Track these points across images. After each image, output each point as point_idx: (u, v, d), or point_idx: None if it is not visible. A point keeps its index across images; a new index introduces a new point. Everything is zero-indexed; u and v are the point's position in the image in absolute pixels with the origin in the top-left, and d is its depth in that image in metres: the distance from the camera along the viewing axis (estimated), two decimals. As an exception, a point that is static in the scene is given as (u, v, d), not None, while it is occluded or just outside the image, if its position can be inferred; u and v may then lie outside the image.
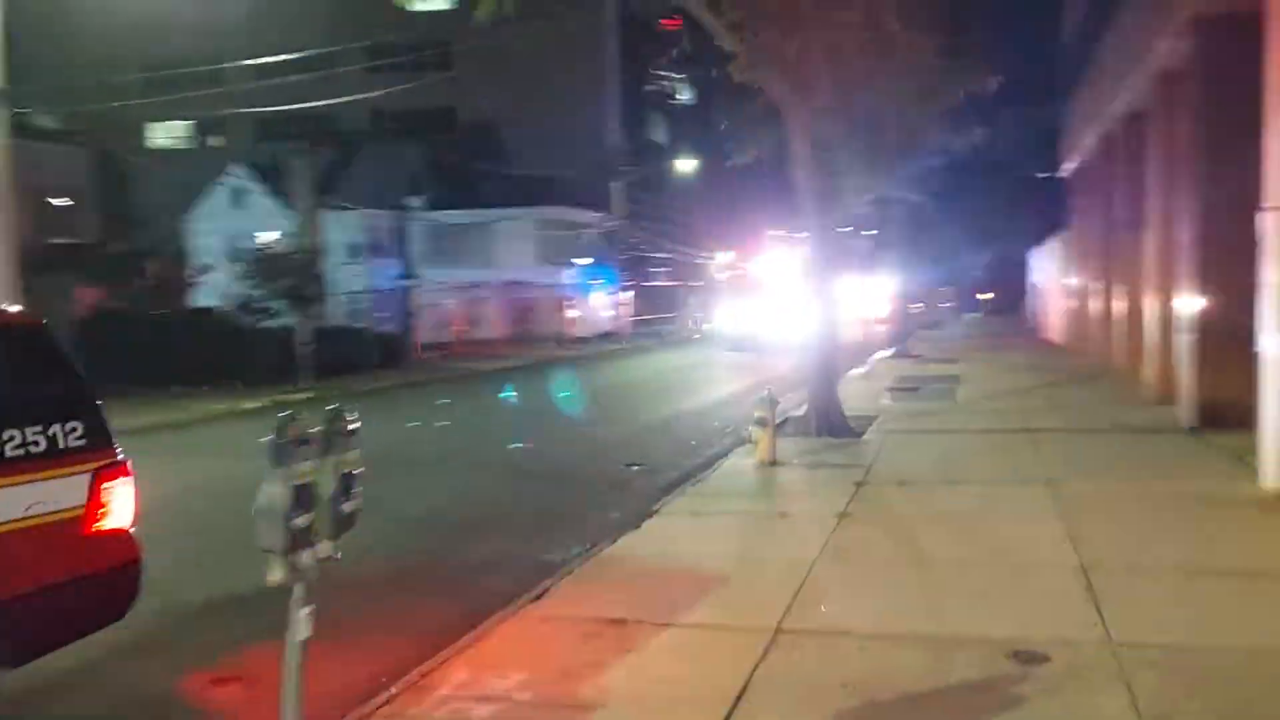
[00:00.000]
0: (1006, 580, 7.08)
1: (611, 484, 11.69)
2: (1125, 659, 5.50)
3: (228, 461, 12.55)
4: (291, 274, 29.75)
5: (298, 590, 3.68)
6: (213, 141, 55.31)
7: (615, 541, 8.51)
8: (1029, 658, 5.55)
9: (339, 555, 3.79)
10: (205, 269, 31.40)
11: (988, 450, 12.65)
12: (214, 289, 33.41)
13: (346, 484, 3.72)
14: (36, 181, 34.22)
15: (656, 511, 9.57)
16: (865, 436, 13.81)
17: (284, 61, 39.40)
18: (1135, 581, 6.95)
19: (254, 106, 39.22)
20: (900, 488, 10.30)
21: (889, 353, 28.76)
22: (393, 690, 5.42)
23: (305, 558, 3.63)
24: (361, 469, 3.82)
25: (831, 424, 13.94)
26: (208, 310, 30.11)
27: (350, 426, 3.76)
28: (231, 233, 39.86)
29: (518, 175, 45.22)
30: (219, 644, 6.59)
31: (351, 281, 44.09)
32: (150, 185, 47.52)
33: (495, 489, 11.87)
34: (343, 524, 3.73)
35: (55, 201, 35.55)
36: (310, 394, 22.73)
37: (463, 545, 9.11)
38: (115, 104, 36.43)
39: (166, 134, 56.34)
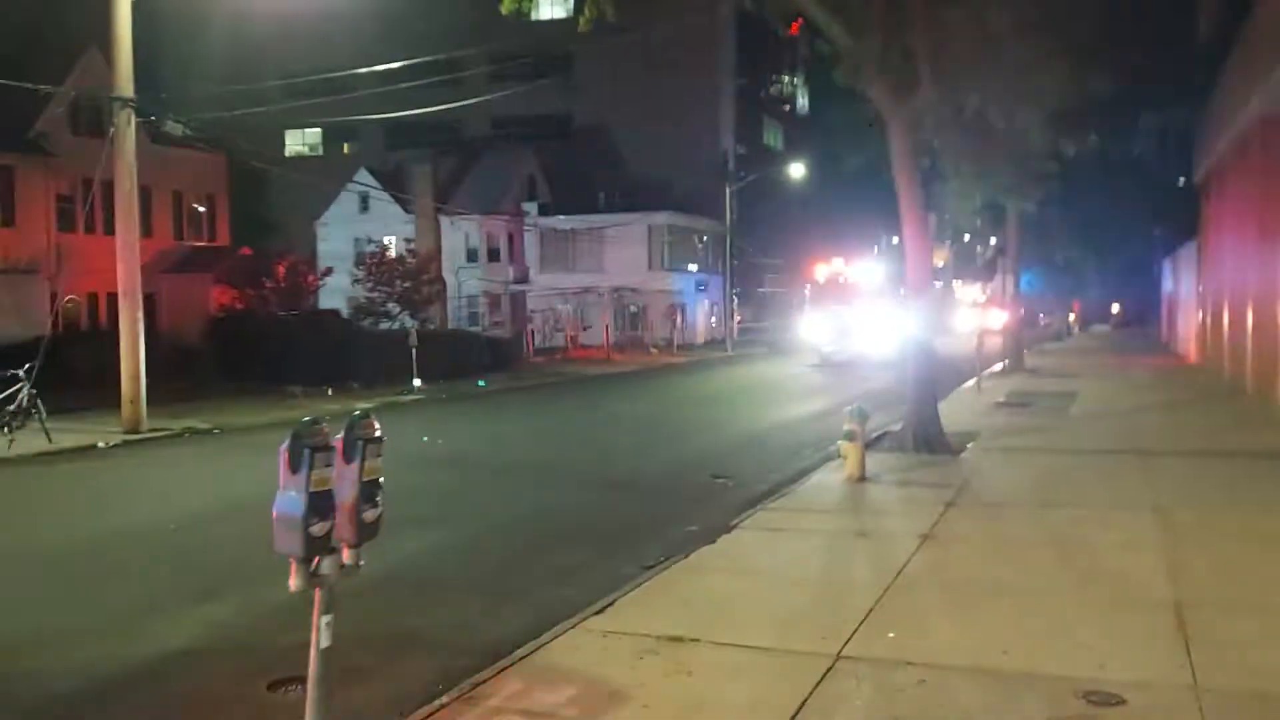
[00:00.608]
0: (1092, 614, 6.69)
1: (696, 496, 11.58)
2: (1209, 707, 5.11)
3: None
4: (407, 278, 30.67)
5: (319, 597, 3.70)
6: (344, 148, 57.44)
7: (688, 556, 8.40)
8: (1102, 699, 5.22)
9: (361, 563, 3.79)
10: (328, 272, 32.57)
11: (1093, 472, 12.02)
12: (338, 292, 34.74)
13: (369, 492, 3.73)
14: (177, 186, 36.27)
15: (734, 526, 9.42)
16: (964, 454, 13.32)
17: (409, 68, 40.63)
18: (1234, 623, 6.47)
19: (381, 114, 40.48)
20: (992, 509, 9.88)
21: (1003, 366, 27.74)
22: (443, 700, 5.44)
23: (325, 565, 3.65)
24: (382, 477, 3.82)
25: (929, 440, 13.50)
26: (329, 312, 31.25)
27: (375, 434, 3.77)
28: (357, 237, 41.26)
29: (631, 181, 45.52)
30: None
31: (467, 286, 45.19)
32: (285, 191, 49.66)
33: (582, 497, 11.89)
34: (365, 531, 3.74)
35: (192, 206, 37.44)
36: (420, 395, 23.30)
37: (541, 553, 9.14)
38: (252, 111, 38.17)
39: (301, 141, 58.81)
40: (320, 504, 3.57)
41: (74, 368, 21.48)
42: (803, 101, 64.93)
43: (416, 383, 24.02)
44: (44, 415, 15.21)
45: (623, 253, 45.75)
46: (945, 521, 9.38)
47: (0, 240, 28.81)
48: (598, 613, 6.88)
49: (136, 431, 16.37)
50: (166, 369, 24.04)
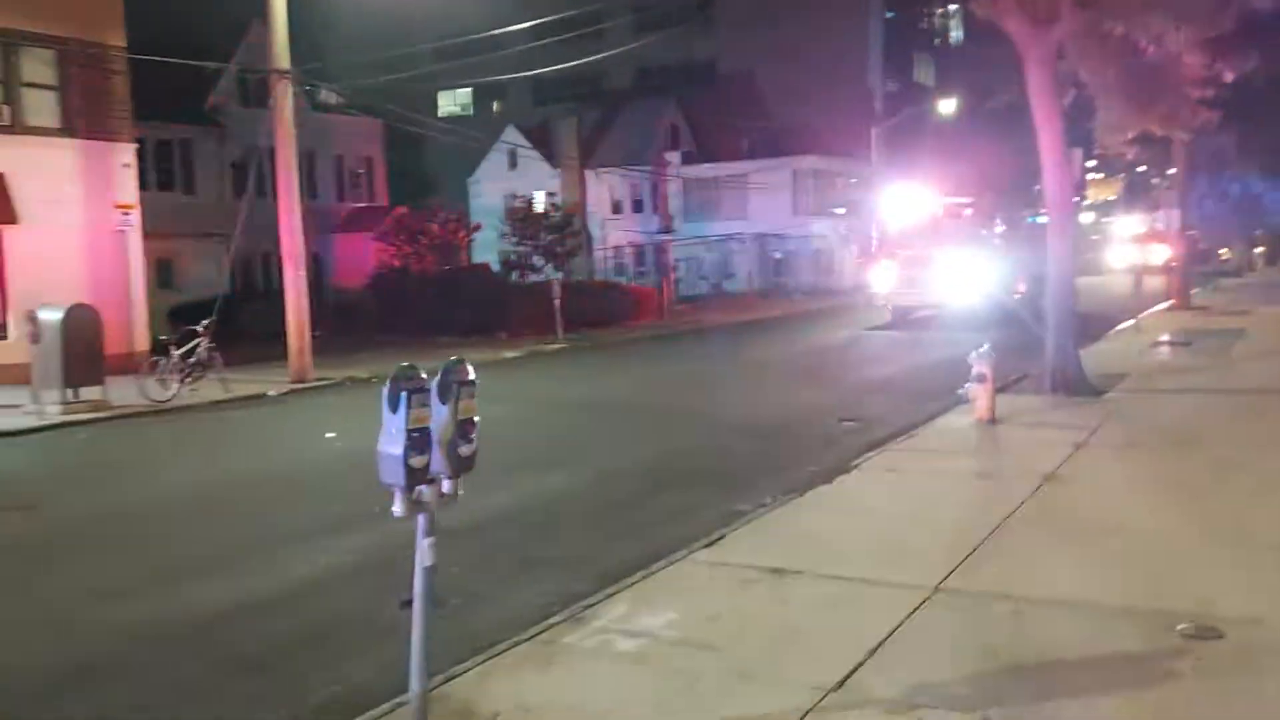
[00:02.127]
0: (1207, 553, 6.56)
1: (821, 440, 11.69)
2: (1316, 645, 5.00)
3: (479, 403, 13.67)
4: (552, 231, 31.47)
5: (420, 522, 4.14)
6: (493, 107, 58.84)
7: (802, 495, 8.60)
8: (1199, 633, 5.19)
9: (460, 493, 4.20)
10: (477, 228, 33.74)
11: (1243, 413, 11.48)
12: (489, 246, 35.97)
13: (464, 429, 4.13)
14: (337, 151, 38.18)
15: (853, 467, 9.54)
16: (1107, 395, 12.90)
17: (554, 23, 41.17)
18: (1364, 564, 6.21)
19: (527, 71, 41.25)
20: (1124, 451, 9.63)
21: (1168, 304, 26.28)
22: (553, 620, 5.88)
23: (425, 493, 4.08)
24: (477, 416, 4.21)
25: (1068, 381, 13.13)
26: (479, 266, 32.44)
27: (468, 376, 4.15)
28: (506, 193, 42.40)
29: (775, 125, 44.93)
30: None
31: (612, 236, 45.87)
32: (438, 150, 51.40)
33: (708, 441, 12.19)
34: (461, 464, 4.14)
35: (352, 169, 39.34)
36: (563, 344, 24.07)
37: (661, 492, 9.50)
38: (403, 76, 39.62)
39: (453, 101, 60.56)
40: (418, 439, 3.98)
41: (248, 323, 23.21)
42: (956, 34, 62.21)
43: (559, 333, 24.79)
44: (221, 367, 16.62)
45: (766, 199, 45.36)
46: (1072, 462, 9.23)
47: (181, 207, 31.15)
48: (706, 545, 7.20)
49: (302, 381, 17.66)
50: (333, 323, 25.66)
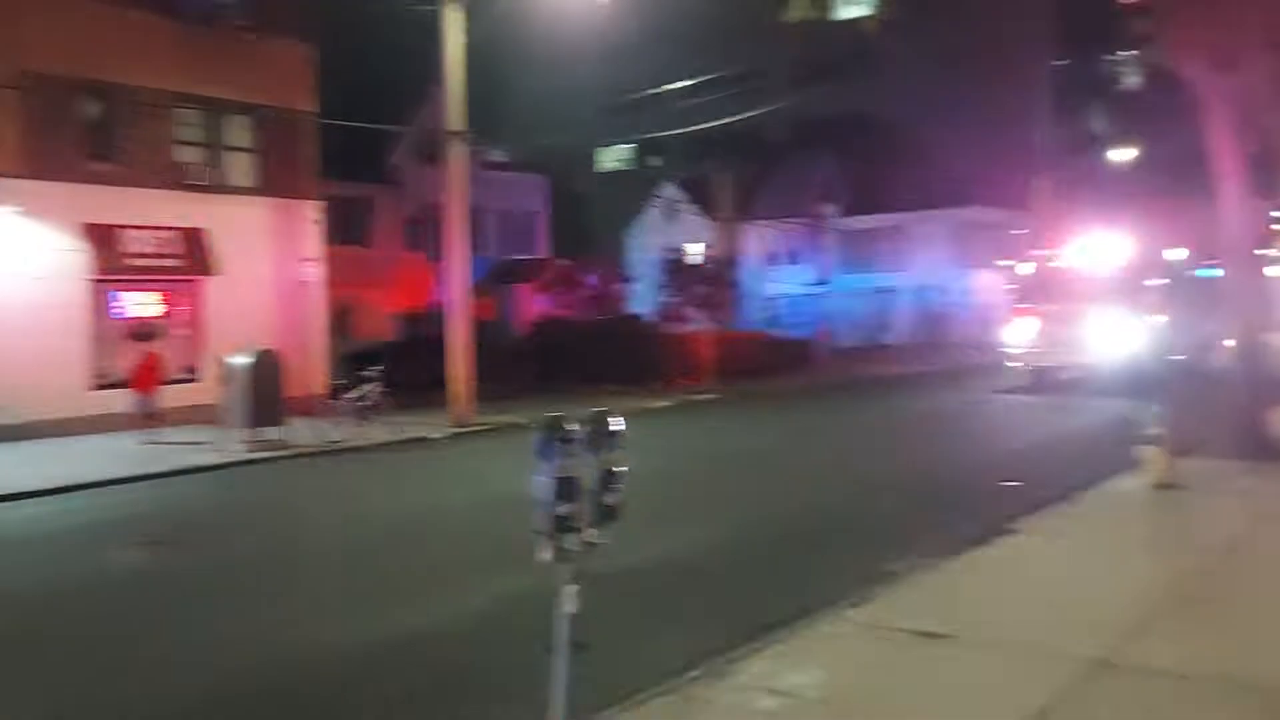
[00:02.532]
0: None
1: (980, 499, 11.29)
2: None
3: (630, 452, 13.86)
4: (706, 282, 31.75)
5: (564, 569, 4.27)
6: (652, 161, 60.08)
7: (959, 556, 8.32)
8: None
9: (604, 542, 4.31)
10: (633, 279, 34.38)
11: None
12: (645, 298, 36.59)
13: (608, 479, 4.24)
14: (503, 205, 39.79)
15: (1013, 529, 9.17)
16: (1299, 462, 11.94)
17: (711, 81, 41.97)
18: None
19: (684, 127, 42.06)
20: (1316, 524, 8.89)
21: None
22: (695, 673, 5.89)
23: (570, 541, 4.20)
24: (624, 467, 4.32)
25: (1256, 444, 12.23)
26: (634, 317, 33.00)
27: (615, 427, 4.28)
28: (663, 246, 43.08)
29: (933, 176, 44.08)
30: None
31: (765, 288, 45.79)
32: (600, 204, 52.87)
33: (859, 495, 11.96)
34: (605, 514, 4.25)
35: (518, 222, 40.88)
36: (714, 395, 24.14)
37: (810, 547, 9.39)
38: (565, 138, 41.14)
39: (613, 158, 62.20)
40: (565, 488, 4.12)
41: (416, 369, 24.34)
42: (1131, 80, 59.69)
43: (710, 383, 24.88)
44: (389, 411, 17.50)
45: (925, 250, 44.39)
46: (1258, 536, 8.60)
47: (359, 259, 33.07)
48: (854, 605, 7.05)
49: (464, 425, 18.36)
50: (492, 370, 26.55)
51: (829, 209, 45.37)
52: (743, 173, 46.14)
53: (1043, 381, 23.33)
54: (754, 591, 7.98)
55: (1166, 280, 26.54)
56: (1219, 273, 26.06)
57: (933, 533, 9.57)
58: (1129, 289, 23.10)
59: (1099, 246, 24.26)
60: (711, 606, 7.59)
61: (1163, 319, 23.49)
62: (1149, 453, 10.69)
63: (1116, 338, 21.68)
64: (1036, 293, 23.88)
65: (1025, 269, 24.92)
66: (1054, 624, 6.48)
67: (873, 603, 7.10)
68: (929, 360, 35.43)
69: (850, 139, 48.58)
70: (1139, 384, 19.92)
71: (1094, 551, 8.43)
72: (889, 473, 13.50)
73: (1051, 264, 24.49)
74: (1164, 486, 10.49)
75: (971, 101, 46.81)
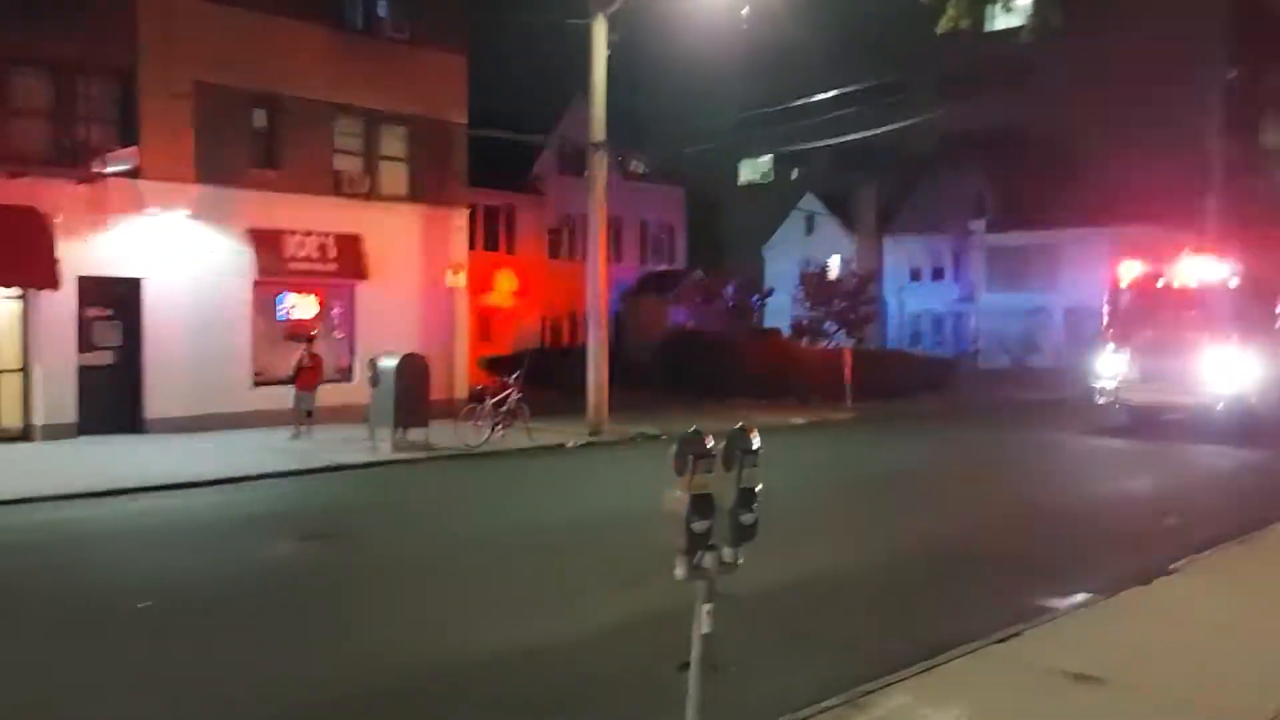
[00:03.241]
0: None
1: (1138, 535, 10.66)
2: None
3: (765, 470, 13.72)
4: (845, 298, 31.21)
5: (700, 588, 4.19)
6: (793, 174, 59.59)
7: (1114, 595, 7.85)
8: None
9: (739, 562, 4.22)
10: (769, 293, 34.11)
11: None
12: (783, 312, 36.27)
13: (746, 498, 4.15)
14: (642, 216, 40.15)
15: (1174, 569, 8.59)
16: None
17: (855, 92, 41.30)
18: None
19: (826, 140, 41.56)
20: None
21: None
22: (829, 703, 5.71)
23: (706, 559, 4.13)
24: (760, 485, 4.22)
25: None
26: (771, 331, 32.72)
27: (753, 445, 4.18)
28: (802, 259, 42.60)
29: (1090, 192, 42.15)
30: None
31: (909, 305, 44.70)
32: (738, 217, 52.73)
33: (1004, 526, 11.47)
34: (742, 534, 4.16)
35: (654, 234, 41.17)
36: (851, 413, 23.63)
37: (951, 577, 9.05)
38: (706, 146, 41.19)
39: (753, 170, 61.97)
40: (701, 505, 4.05)
41: (553, 376, 24.74)
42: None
43: (849, 402, 24.37)
44: (527, 417, 17.81)
45: (1079, 270, 42.41)
46: None
47: (503, 266, 33.92)
48: (1001, 640, 6.74)
49: (598, 434, 18.51)
50: (628, 380, 26.78)
51: (977, 224, 43.98)
52: (886, 186, 45.26)
53: (1140, 422, 20.27)
54: (891, 620, 7.72)
55: None
56: None
57: (1087, 568, 9.09)
58: (1253, 317, 19.35)
59: (1217, 266, 20.21)
60: (848, 633, 7.38)
61: None
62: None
63: (1230, 375, 18.51)
64: (1136, 317, 20.45)
65: (1127, 288, 20.95)
66: (1216, 675, 6.04)
67: (1021, 638, 6.76)
68: (1072, 385, 33.81)
69: (1001, 153, 47.04)
70: (1252, 430, 17.81)
71: (1263, 597, 7.82)
72: (1037, 501, 12.92)
73: (1160, 283, 20.58)
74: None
75: (1135, 115, 44.61)
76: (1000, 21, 47.68)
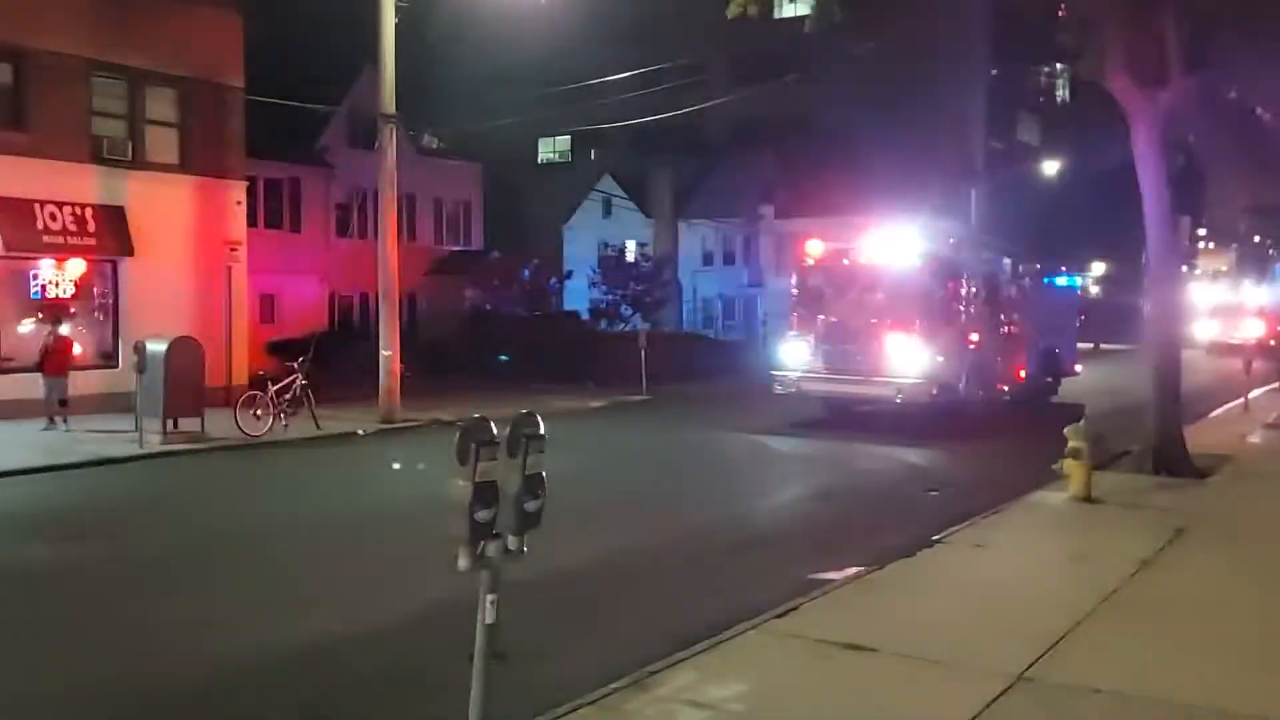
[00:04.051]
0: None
1: (906, 508, 11.36)
2: None
3: (559, 454, 13.68)
4: (641, 281, 31.66)
5: (483, 577, 4.08)
6: (592, 155, 59.76)
7: (882, 568, 8.31)
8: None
9: (524, 550, 4.14)
10: (567, 275, 34.11)
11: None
12: (581, 294, 36.34)
13: (531, 484, 4.07)
14: (436, 194, 39.14)
15: (937, 541, 9.21)
16: (1211, 478, 12.25)
17: (654, 74, 41.77)
18: None
19: (625, 120, 41.84)
20: (1227, 538, 9.11)
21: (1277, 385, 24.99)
22: (616, 685, 5.74)
23: (489, 548, 4.02)
24: (543, 471, 4.15)
25: (1170, 461, 12.53)
26: (569, 314, 32.74)
27: (537, 431, 4.11)
28: (600, 241, 42.80)
29: (870, 182, 44.57)
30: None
31: (702, 289, 45.89)
32: (537, 196, 52.34)
33: (786, 503, 11.97)
34: (527, 521, 4.08)
35: (450, 212, 40.28)
36: (647, 396, 24.02)
37: (737, 555, 9.32)
38: (503, 123, 40.62)
39: (552, 149, 61.74)
40: (485, 493, 3.94)
41: (342, 361, 23.80)
42: (1063, 93, 61.23)
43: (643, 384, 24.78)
44: (313, 404, 17.00)
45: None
46: (1172, 549, 8.76)
47: (288, 244, 32.24)
48: (779, 615, 6.99)
49: (391, 421, 17.93)
50: (424, 364, 26.15)
51: (766, 210, 45.61)
52: (682, 170, 46.18)
53: (835, 413, 18.52)
54: (679, 600, 7.87)
55: (1012, 289, 21.54)
56: (1074, 282, 24.00)
57: (860, 542, 9.59)
58: (942, 298, 17.92)
59: (904, 241, 18.34)
60: (636, 615, 7.47)
61: (995, 335, 19.30)
62: (1070, 466, 10.84)
63: (913, 362, 16.84)
64: (822, 299, 18.47)
65: (813, 268, 18.89)
66: (974, 638, 6.49)
67: (797, 613, 7.04)
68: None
69: (790, 141, 48.94)
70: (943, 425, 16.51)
71: (1014, 565, 8.53)
72: (817, 479, 13.54)
73: (845, 261, 18.70)
74: (1081, 499, 10.64)
75: (908, 108, 47.48)
76: (788, 10, 49.62)
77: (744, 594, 7.72)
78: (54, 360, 16.10)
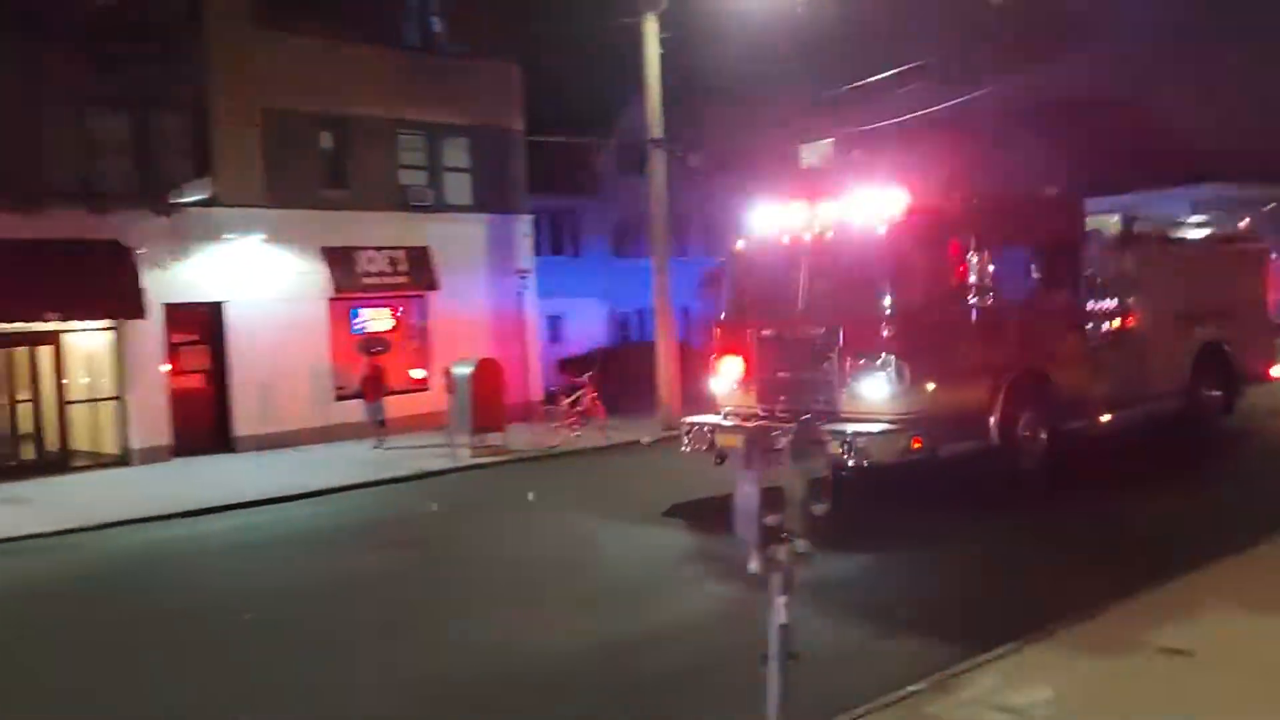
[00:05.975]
0: None
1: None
2: None
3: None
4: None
5: (774, 580, 4.23)
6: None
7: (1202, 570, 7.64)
8: None
9: (814, 553, 4.23)
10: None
11: None
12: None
13: (815, 489, 4.17)
14: (704, 211, 39.93)
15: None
16: None
17: (907, 72, 40.34)
18: None
19: (886, 121, 40.63)
20: None
21: None
22: (916, 686, 5.69)
23: (779, 552, 4.16)
24: (829, 474, 4.23)
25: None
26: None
27: (820, 438, 4.20)
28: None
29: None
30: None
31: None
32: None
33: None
34: (813, 524, 4.18)
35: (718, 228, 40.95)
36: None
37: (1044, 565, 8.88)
38: (762, 136, 40.74)
39: (814, 154, 61.21)
40: (771, 498, 4.09)
41: (625, 375, 24.86)
42: None
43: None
44: (601, 415, 17.98)
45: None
46: None
47: (570, 268, 34.11)
48: (1087, 620, 6.63)
49: (672, 429, 18.47)
50: (700, 374, 26.70)
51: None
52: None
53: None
54: (975, 602, 7.63)
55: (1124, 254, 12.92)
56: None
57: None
58: (932, 277, 10.68)
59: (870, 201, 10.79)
60: (934, 620, 7.31)
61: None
62: None
63: (880, 400, 10.22)
64: (758, 298, 11.91)
65: (749, 251, 12.07)
66: None
67: (1107, 614, 6.65)
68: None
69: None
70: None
71: None
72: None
73: (786, 238, 11.46)
74: None
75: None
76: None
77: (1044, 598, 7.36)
78: (372, 386, 18.11)
